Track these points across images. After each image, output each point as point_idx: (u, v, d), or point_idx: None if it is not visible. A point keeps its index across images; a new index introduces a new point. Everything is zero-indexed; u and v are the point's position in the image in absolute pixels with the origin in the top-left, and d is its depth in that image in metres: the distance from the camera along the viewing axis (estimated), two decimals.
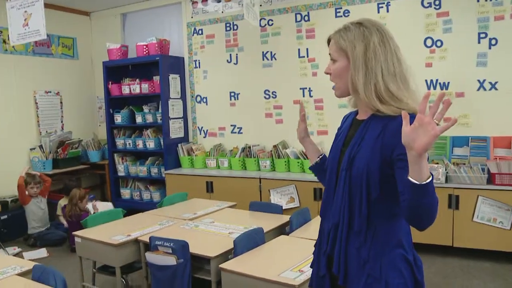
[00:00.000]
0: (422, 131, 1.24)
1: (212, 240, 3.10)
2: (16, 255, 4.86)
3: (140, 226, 3.47)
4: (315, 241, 1.80)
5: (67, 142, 6.37)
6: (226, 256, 2.82)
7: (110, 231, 3.38)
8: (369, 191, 1.51)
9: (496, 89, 4.53)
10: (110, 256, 3.16)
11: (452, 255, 4.45)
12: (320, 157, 1.93)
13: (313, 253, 1.79)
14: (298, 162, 5.29)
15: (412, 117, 1.41)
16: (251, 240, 2.92)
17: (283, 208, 4.89)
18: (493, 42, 4.51)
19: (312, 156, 1.95)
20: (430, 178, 1.30)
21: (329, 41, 1.67)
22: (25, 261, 2.89)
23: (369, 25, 1.59)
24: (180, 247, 2.85)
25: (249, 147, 5.70)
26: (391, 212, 1.53)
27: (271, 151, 5.54)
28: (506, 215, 4.16)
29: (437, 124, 1.23)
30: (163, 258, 2.90)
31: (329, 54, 1.64)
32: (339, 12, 5.18)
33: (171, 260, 2.85)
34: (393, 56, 1.57)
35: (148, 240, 3.04)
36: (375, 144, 1.52)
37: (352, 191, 1.55)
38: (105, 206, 5.07)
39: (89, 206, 5.08)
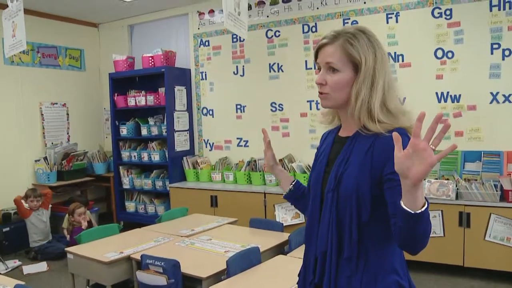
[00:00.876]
0: (417, 159, 1.11)
1: (206, 259, 2.97)
2: (15, 268, 4.79)
3: (135, 243, 3.36)
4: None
5: (72, 154, 6.32)
6: (219, 276, 2.68)
7: (103, 247, 3.27)
8: (360, 213, 1.37)
9: (510, 101, 4.35)
10: (101, 274, 3.04)
11: (462, 275, 4.24)
12: (293, 183, 1.79)
13: (297, 283, 1.65)
14: (304, 177, 5.14)
15: (402, 133, 1.29)
16: (245, 260, 2.78)
17: (288, 223, 4.78)
18: (507, 53, 4.34)
19: (285, 184, 1.81)
20: (426, 206, 1.17)
21: (320, 47, 1.47)
22: (9, 279, 2.78)
23: (372, 34, 1.46)
24: (171, 267, 2.73)
25: (255, 161, 5.58)
26: (383, 235, 1.39)
27: None
28: None
29: (434, 151, 1.09)
30: (153, 278, 2.77)
31: (326, 62, 1.43)
32: (347, 22, 5.06)
33: (162, 280, 2.73)
34: (389, 68, 1.45)
35: (140, 258, 2.93)
36: (363, 162, 1.39)
37: (340, 213, 1.41)
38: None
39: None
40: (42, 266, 4.87)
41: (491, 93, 4.42)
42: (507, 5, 4.32)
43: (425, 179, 1.16)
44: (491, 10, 4.38)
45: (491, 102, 4.43)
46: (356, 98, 1.41)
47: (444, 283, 4.12)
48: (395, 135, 1.15)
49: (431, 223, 1.23)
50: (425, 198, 1.18)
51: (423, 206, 1.17)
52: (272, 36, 5.58)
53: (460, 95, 4.54)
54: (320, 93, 1.47)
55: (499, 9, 4.35)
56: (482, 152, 4.42)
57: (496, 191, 4.09)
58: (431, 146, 1.10)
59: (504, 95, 4.37)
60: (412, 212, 1.16)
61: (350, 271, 1.40)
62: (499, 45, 4.37)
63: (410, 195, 1.15)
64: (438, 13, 4.59)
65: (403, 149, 1.14)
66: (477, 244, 4.09)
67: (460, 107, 4.54)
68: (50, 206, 5.61)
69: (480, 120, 4.47)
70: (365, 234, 1.38)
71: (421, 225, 1.18)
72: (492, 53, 4.40)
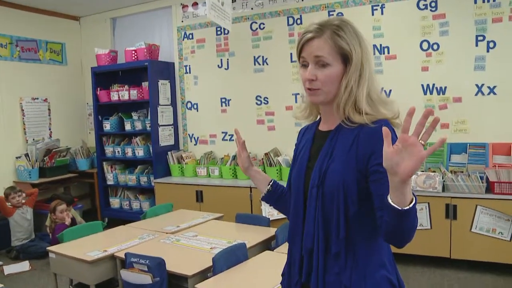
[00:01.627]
0: (407, 154, 1.08)
1: (192, 256, 2.91)
2: None
3: (119, 241, 3.28)
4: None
5: (54, 150, 6.20)
6: (205, 274, 2.63)
7: (86, 246, 3.20)
8: (347, 208, 1.33)
9: (495, 93, 4.35)
10: (84, 273, 2.97)
11: (449, 267, 4.25)
12: (271, 183, 1.72)
13: (281, 283, 1.60)
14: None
15: (387, 125, 1.27)
16: (232, 257, 2.73)
17: (275, 218, 4.75)
18: (491, 45, 4.34)
19: (262, 185, 1.74)
20: (413, 202, 1.14)
21: (306, 40, 1.38)
22: None
23: (354, 25, 1.41)
24: (156, 265, 2.67)
25: None
26: (371, 229, 1.35)
27: (262, 159, 5.35)
28: (506, 226, 3.96)
29: (423, 146, 1.07)
30: (138, 276, 2.71)
31: (315, 56, 1.36)
32: (332, 15, 5.01)
33: (147, 279, 2.67)
34: (372, 57, 1.42)
35: (124, 256, 2.86)
36: (348, 155, 1.35)
37: (326, 209, 1.37)
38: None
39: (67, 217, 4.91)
40: (24, 266, 4.77)
41: (476, 85, 4.42)
42: None
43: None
44: (475, 2, 4.37)
45: (476, 94, 4.43)
46: (344, 90, 1.37)
47: (431, 275, 4.13)
48: (385, 129, 1.11)
49: (417, 218, 1.21)
50: (413, 193, 1.16)
51: (411, 202, 1.14)
52: (256, 28, 5.51)
53: (445, 87, 4.54)
54: (309, 89, 1.41)
55: (484, 1, 4.34)
56: (468, 144, 4.42)
57: (482, 183, 4.10)
58: (420, 141, 1.07)
59: (489, 87, 4.37)
60: (400, 208, 1.13)
61: (339, 268, 1.36)
62: (484, 37, 4.36)
63: (398, 191, 1.12)
64: (423, 5, 4.57)
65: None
66: (463, 236, 4.10)
67: (446, 99, 4.54)
68: None
69: (466, 112, 4.47)
70: (352, 229, 1.35)
71: (408, 221, 1.16)
72: (477, 45, 4.39)
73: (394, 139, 1.16)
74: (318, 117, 1.57)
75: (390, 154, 1.10)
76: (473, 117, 4.45)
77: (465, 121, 4.47)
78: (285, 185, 1.71)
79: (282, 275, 1.61)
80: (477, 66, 4.40)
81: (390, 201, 1.15)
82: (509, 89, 4.29)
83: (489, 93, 4.38)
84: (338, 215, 1.34)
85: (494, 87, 4.35)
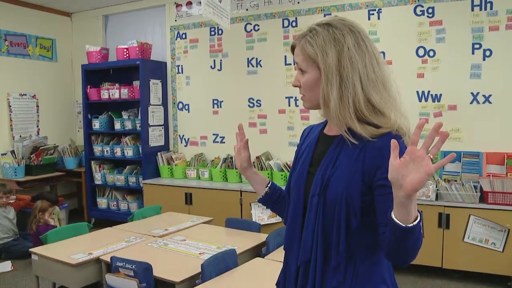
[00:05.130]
0: (414, 167, 1.02)
1: (180, 262, 2.82)
2: None
3: (105, 243, 3.18)
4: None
5: (41, 147, 6.07)
6: (193, 281, 2.54)
7: (71, 248, 3.09)
8: (348, 220, 1.26)
9: (490, 102, 4.31)
10: (68, 276, 2.86)
11: (441, 277, 4.20)
12: (269, 185, 1.63)
13: None
14: (281, 175, 5.03)
15: (398, 138, 1.21)
16: (221, 263, 2.65)
17: (265, 223, 4.67)
18: (488, 53, 4.30)
19: (259, 187, 1.64)
20: (418, 220, 1.08)
21: (293, 48, 1.39)
22: None
23: (340, 25, 1.31)
24: (142, 270, 2.57)
25: (231, 158, 5.43)
26: (372, 243, 1.29)
27: (253, 162, 5.27)
28: (499, 236, 3.92)
29: (432, 160, 1.01)
30: (124, 282, 2.62)
31: (297, 63, 1.37)
32: None
33: (133, 284, 2.57)
34: (372, 58, 1.30)
35: (110, 260, 2.76)
36: (354, 165, 1.27)
37: (326, 220, 1.29)
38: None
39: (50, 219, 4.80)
40: (6, 266, 4.63)
41: (472, 93, 4.38)
42: (488, 5, 4.28)
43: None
44: (472, 10, 4.34)
45: (471, 102, 4.38)
46: (324, 99, 1.30)
47: (422, 285, 4.07)
48: (393, 142, 1.06)
49: (422, 235, 1.15)
50: (418, 210, 1.10)
51: (415, 219, 1.08)
52: (251, 30, 5.44)
53: (441, 95, 4.49)
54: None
55: (481, 9, 4.31)
56: (462, 153, 4.38)
57: (476, 192, 4.05)
58: (429, 155, 1.02)
59: (484, 96, 4.33)
60: (404, 226, 1.08)
61: (337, 282, 1.29)
62: (480, 45, 4.33)
63: (403, 207, 1.06)
64: (420, 11, 4.53)
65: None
66: (456, 245, 4.05)
67: (441, 106, 4.49)
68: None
69: (460, 120, 4.42)
70: (353, 241, 1.28)
71: (412, 239, 1.11)
72: (473, 53, 4.35)
73: (402, 151, 1.10)
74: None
75: (397, 166, 1.04)
76: (467, 125, 4.40)
77: (459, 129, 4.43)
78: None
79: (277, 284, 1.53)
80: (473, 74, 4.36)
81: (393, 217, 1.09)
82: (505, 98, 4.26)
83: (484, 102, 4.34)
84: (339, 227, 1.27)
85: (490, 96, 4.31)
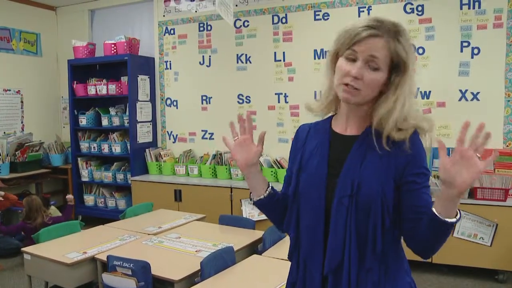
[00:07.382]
0: (464, 166, 1.10)
1: (177, 260, 2.81)
2: None
3: (99, 241, 3.15)
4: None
5: (26, 144, 5.97)
6: (192, 279, 2.54)
7: (64, 246, 3.05)
8: (383, 219, 1.27)
9: (478, 99, 4.38)
10: (62, 276, 2.83)
11: (430, 271, 4.26)
12: (271, 187, 1.47)
13: None
14: (271, 171, 5.04)
15: (416, 135, 1.29)
16: (220, 261, 2.64)
17: (256, 219, 4.66)
18: (476, 51, 4.36)
19: (260, 187, 1.46)
20: (459, 216, 1.16)
21: (368, 36, 1.26)
22: None
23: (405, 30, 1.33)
24: (140, 268, 2.56)
25: (221, 154, 5.42)
26: (398, 240, 1.35)
27: None
28: (487, 231, 3.99)
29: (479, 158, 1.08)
30: (121, 281, 2.59)
31: (371, 55, 1.25)
32: (318, 15, 4.97)
33: (131, 283, 2.55)
34: None
35: (106, 259, 2.73)
36: (382, 163, 1.28)
37: (359, 221, 1.28)
38: None
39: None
40: None
41: (460, 90, 4.44)
42: (476, 4, 4.34)
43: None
44: (461, 9, 4.39)
45: (460, 100, 4.45)
46: (395, 102, 1.28)
47: None
48: (440, 142, 1.14)
49: None
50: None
51: (456, 215, 1.17)
52: (240, 26, 5.42)
53: (430, 92, 4.55)
54: (347, 85, 1.27)
55: (469, 8, 4.36)
56: (450, 149, 4.41)
57: None
58: (476, 154, 1.09)
59: (472, 93, 4.40)
60: (448, 221, 1.15)
61: (372, 283, 1.29)
62: (469, 43, 4.38)
63: (452, 203, 1.14)
64: (410, 8, 4.57)
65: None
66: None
67: (430, 103, 4.55)
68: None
69: (449, 117, 4.47)
70: (386, 241, 1.30)
71: (448, 233, 1.20)
72: (462, 51, 4.41)
73: (420, 147, 1.25)
74: (327, 115, 1.47)
75: (449, 166, 1.11)
76: (456, 122, 4.46)
77: (448, 126, 4.48)
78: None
79: None
80: (461, 72, 4.42)
81: (436, 212, 1.16)
82: (492, 95, 4.32)
83: (472, 99, 4.40)
84: (375, 227, 1.27)
85: (478, 93, 4.37)
